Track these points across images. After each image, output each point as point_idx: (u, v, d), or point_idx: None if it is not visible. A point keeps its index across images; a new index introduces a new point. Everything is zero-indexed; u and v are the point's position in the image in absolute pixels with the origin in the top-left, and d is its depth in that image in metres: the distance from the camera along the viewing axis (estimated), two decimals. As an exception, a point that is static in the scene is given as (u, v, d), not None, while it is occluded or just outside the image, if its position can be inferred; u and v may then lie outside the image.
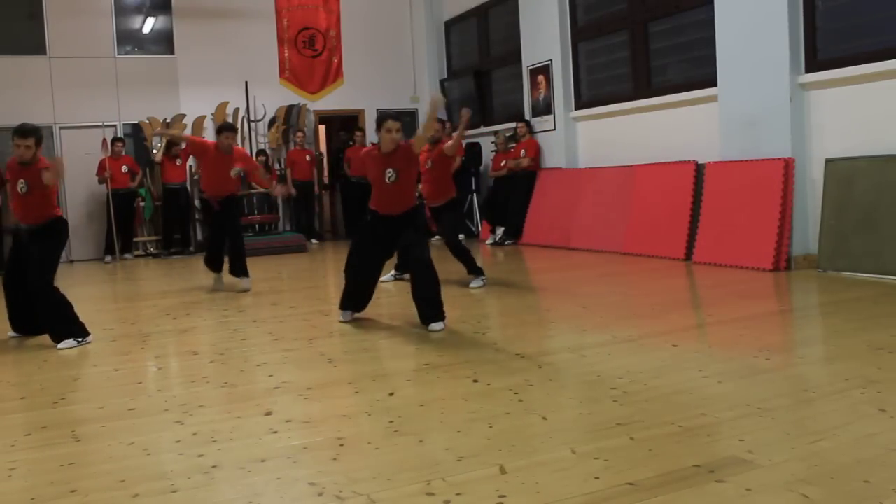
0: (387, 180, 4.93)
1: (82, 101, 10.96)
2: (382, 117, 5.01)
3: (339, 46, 12.55)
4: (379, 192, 5.02)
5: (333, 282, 8.00)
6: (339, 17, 12.51)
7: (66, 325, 4.91)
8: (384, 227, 5.02)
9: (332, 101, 12.54)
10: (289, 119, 12.11)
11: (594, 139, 9.57)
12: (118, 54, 11.26)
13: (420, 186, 6.49)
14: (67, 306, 4.94)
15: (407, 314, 5.53)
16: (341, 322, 5.16)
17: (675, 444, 2.67)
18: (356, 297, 5.24)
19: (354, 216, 12.09)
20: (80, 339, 4.90)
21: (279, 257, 10.12)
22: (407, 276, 6.20)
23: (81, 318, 5.00)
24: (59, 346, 4.82)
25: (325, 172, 12.97)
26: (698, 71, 7.88)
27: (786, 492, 2.24)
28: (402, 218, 5.01)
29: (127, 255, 10.83)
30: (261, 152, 11.63)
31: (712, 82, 7.45)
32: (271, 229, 11.66)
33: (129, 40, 11.46)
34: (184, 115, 11.47)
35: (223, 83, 11.62)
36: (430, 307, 4.85)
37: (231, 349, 4.63)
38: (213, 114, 11.75)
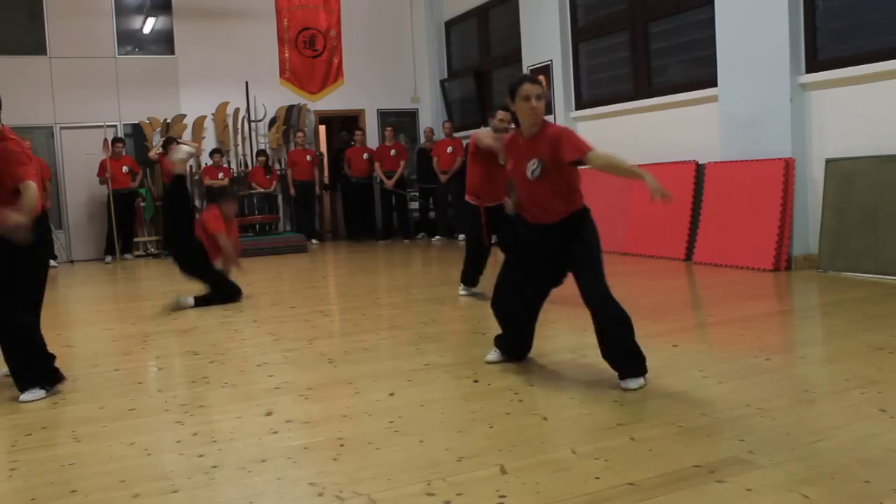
0: (530, 175, 3.51)
1: (82, 101, 10.97)
2: (518, 80, 3.52)
3: (339, 46, 12.55)
4: (520, 192, 3.66)
5: (334, 282, 8.01)
6: (340, 17, 12.52)
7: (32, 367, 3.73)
8: (539, 240, 3.62)
9: (333, 101, 12.55)
10: (289, 119, 12.12)
11: (594, 139, 9.41)
12: (118, 54, 11.27)
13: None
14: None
15: (408, 314, 5.53)
16: (488, 362, 3.89)
17: (675, 444, 2.67)
18: (513, 340, 3.89)
19: (355, 216, 12.13)
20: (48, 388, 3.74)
21: (279, 257, 10.12)
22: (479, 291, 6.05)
23: (81, 319, 4.98)
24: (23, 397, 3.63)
25: (326, 172, 12.98)
26: (698, 71, 7.88)
27: (786, 492, 2.24)
28: (560, 228, 3.56)
29: (127, 256, 10.83)
30: (261, 152, 11.64)
31: (712, 82, 7.46)
32: (271, 229, 11.66)
33: (129, 40, 11.46)
34: (184, 116, 11.48)
35: (223, 83, 11.63)
36: (619, 356, 3.46)
37: (231, 349, 4.63)
38: (213, 114, 11.75)
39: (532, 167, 3.48)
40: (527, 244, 3.65)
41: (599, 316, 3.45)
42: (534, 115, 3.46)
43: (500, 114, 5.46)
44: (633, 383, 3.35)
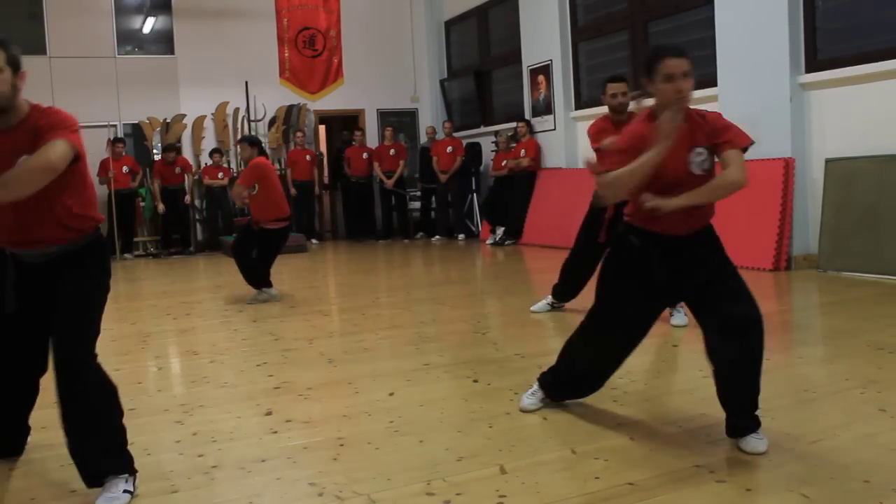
0: (695, 170, 2.65)
1: (82, 101, 10.93)
2: (656, 53, 2.80)
3: (339, 46, 12.55)
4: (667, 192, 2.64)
5: (333, 282, 8.01)
6: (339, 17, 12.52)
7: (118, 451, 2.48)
8: (672, 259, 2.70)
9: (333, 101, 12.55)
10: (289, 119, 12.12)
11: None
12: (118, 54, 11.26)
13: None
14: (117, 408, 2.51)
15: (408, 314, 5.53)
16: (522, 410, 3.09)
17: (675, 444, 2.67)
18: (582, 383, 3.07)
19: (354, 216, 12.13)
20: (132, 483, 2.45)
21: (279, 257, 10.06)
22: (565, 304, 5.20)
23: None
24: (109, 496, 2.38)
25: (326, 172, 12.98)
26: (698, 71, 7.79)
27: (786, 492, 2.24)
28: (696, 240, 2.72)
29: (127, 255, 10.83)
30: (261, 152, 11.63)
31: (712, 82, 7.45)
32: (271, 229, 11.64)
33: (129, 40, 11.46)
34: (184, 115, 11.48)
35: (223, 83, 11.63)
36: (744, 405, 2.61)
37: (231, 349, 4.63)
38: (213, 114, 11.75)
39: (700, 159, 2.66)
40: (645, 265, 2.72)
41: (739, 344, 2.56)
42: (681, 99, 2.67)
43: (613, 87, 4.66)
44: (759, 444, 2.55)
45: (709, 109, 2.87)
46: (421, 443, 2.81)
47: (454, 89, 12.57)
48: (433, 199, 11.82)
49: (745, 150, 2.67)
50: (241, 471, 2.62)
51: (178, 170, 10.93)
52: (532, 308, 5.31)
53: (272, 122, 12.05)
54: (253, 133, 11.89)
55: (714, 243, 2.74)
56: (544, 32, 10.00)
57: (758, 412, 2.60)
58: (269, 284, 6.46)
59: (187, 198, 11.09)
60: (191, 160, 11.58)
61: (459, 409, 3.20)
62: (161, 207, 10.83)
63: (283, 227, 6.45)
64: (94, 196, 2.66)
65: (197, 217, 11.58)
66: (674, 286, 2.75)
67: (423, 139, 12.24)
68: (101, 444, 2.42)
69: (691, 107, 2.73)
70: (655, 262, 2.69)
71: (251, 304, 6.22)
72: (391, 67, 12.80)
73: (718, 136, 2.68)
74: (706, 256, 2.70)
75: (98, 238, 2.65)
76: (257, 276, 6.39)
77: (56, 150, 2.32)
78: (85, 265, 2.58)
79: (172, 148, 10.89)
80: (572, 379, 3.04)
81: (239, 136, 11.03)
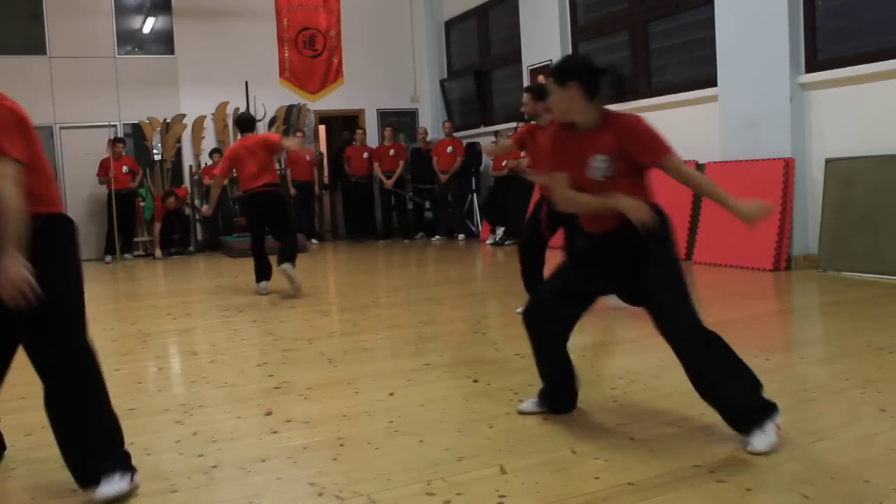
0: (595, 175, 2.77)
1: (82, 101, 10.96)
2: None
3: (339, 46, 12.55)
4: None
5: (333, 282, 8.00)
6: (339, 17, 12.52)
7: (112, 446, 2.49)
8: (595, 253, 2.88)
9: (332, 101, 12.55)
10: (289, 119, 12.11)
11: (594, 139, 9.56)
12: (118, 54, 11.26)
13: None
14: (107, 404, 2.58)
15: (408, 314, 5.52)
16: (521, 412, 3.08)
17: (675, 444, 2.67)
18: (558, 386, 3.03)
19: (354, 216, 12.13)
20: (130, 477, 2.45)
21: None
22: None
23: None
24: (102, 493, 2.38)
25: (326, 172, 12.98)
26: (698, 71, 7.87)
27: (786, 492, 2.24)
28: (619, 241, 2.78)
29: (127, 256, 10.83)
30: (261, 152, 11.64)
31: (712, 82, 7.45)
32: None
33: (129, 40, 11.46)
34: (184, 115, 11.48)
35: (223, 83, 11.63)
36: (720, 409, 2.69)
37: (231, 349, 4.63)
38: (213, 114, 11.75)
39: (598, 165, 2.77)
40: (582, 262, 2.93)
41: (688, 359, 2.71)
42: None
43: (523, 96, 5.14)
44: (761, 442, 2.53)
45: (635, 113, 2.94)
46: (421, 443, 2.81)
47: (454, 89, 12.57)
48: (426, 199, 11.82)
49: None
50: (241, 471, 2.62)
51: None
52: (518, 310, 5.30)
53: (272, 122, 12.05)
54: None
55: (644, 247, 2.72)
56: (544, 32, 10.00)
57: (755, 412, 2.61)
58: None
59: (185, 208, 11.17)
60: (191, 160, 11.60)
61: (459, 409, 3.20)
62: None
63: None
64: (52, 186, 2.48)
65: (197, 217, 11.58)
66: (597, 279, 2.91)
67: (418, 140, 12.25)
68: (91, 442, 2.41)
69: (611, 109, 2.91)
70: (581, 252, 2.95)
71: (258, 297, 6.46)
72: (391, 67, 12.81)
73: (639, 153, 2.78)
74: (631, 260, 2.76)
75: (52, 226, 2.43)
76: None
77: (3, 186, 2.25)
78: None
79: (171, 194, 11.01)
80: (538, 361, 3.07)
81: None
